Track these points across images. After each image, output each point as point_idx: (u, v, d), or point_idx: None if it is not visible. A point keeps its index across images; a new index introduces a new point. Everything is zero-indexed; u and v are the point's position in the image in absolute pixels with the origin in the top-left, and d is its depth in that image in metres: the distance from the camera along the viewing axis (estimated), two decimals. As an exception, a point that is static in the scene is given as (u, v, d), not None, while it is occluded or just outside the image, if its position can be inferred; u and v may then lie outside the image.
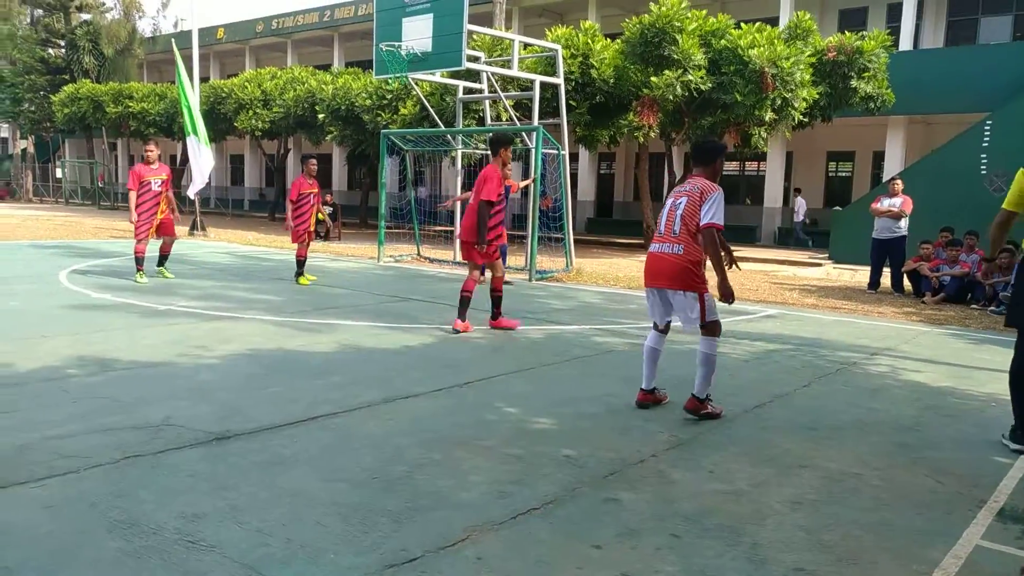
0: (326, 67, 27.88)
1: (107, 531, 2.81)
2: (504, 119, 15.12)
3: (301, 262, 10.12)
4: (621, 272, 13.05)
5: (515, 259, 13.36)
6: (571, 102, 15.68)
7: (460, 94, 14.23)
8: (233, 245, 16.07)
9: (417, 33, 11.96)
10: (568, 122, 14.33)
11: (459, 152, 14.50)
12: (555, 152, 12.73)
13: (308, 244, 10.14)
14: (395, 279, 11.20)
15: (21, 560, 2.58)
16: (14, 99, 35.95)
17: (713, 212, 4.28)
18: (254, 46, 35.18)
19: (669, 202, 4.55)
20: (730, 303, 4.44)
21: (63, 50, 35.97)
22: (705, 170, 4.52)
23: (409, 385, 4.99)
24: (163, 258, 10.10)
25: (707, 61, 14.75)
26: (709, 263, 4.44)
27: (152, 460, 3.51)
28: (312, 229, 10.15)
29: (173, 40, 20.83)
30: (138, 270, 9.51)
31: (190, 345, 5.94)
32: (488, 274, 7.16)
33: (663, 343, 4.68)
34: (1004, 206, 4.45)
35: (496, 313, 7.19)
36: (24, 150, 41.34)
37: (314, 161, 10.41)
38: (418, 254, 14.38)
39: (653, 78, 14.50)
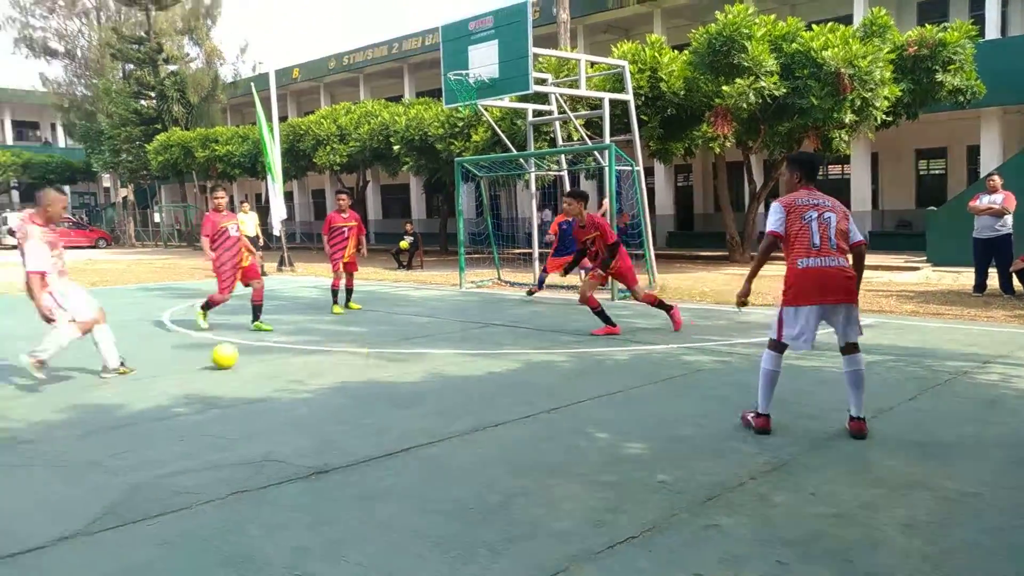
0: (398, 99, 28.57)
1: (220, 566, 2.91)
2: (576, 139, 15.13)
3: (334, 292, 10.54)
4: (707, 286, 12.78)
5: (594, 278, 13.28)
6: (642, 117, 15.57)
7: (530, 117, 14.34)
8: (319, 279, 16.55)
9: (483, 60, 12.13)
10: (640, 137, 14.23)
11: (532, 175, 14.59)
12: (629, 168, 12.65)
13: (342, 276, 10.46)
14: (478, 305, 11.31)
15: (143, 598, 2.70)
16: (113, 150, 38.21)
17: (858, 229, 4.46)
18: (328, 83, 36.40)
19: (812, 215, 4.35)
20: None
21: (154, 101, 38.04)
22: (816, 184, 4.54)
23: (498, 413, 5.01)
24: (257, 310, 9.10)
25: (779, 66, 14.42)
26: None
27: (258, 495, 3.63)
28: (345, 261, 10.38)
29: (252, 84, 21.80)
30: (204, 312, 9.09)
31: (286, 380, 6.14)
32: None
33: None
34: None
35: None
36: (125, 198, 43.93)
37: (344, 196, 10.67)
38: (499, 278, 14.49)
39: (724, 87, 14.26)
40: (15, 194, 48.95)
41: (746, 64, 14.06)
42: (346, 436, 4.57)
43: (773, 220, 4.42)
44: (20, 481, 3.94)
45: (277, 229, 18.89)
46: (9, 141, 50.67)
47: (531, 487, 3.68)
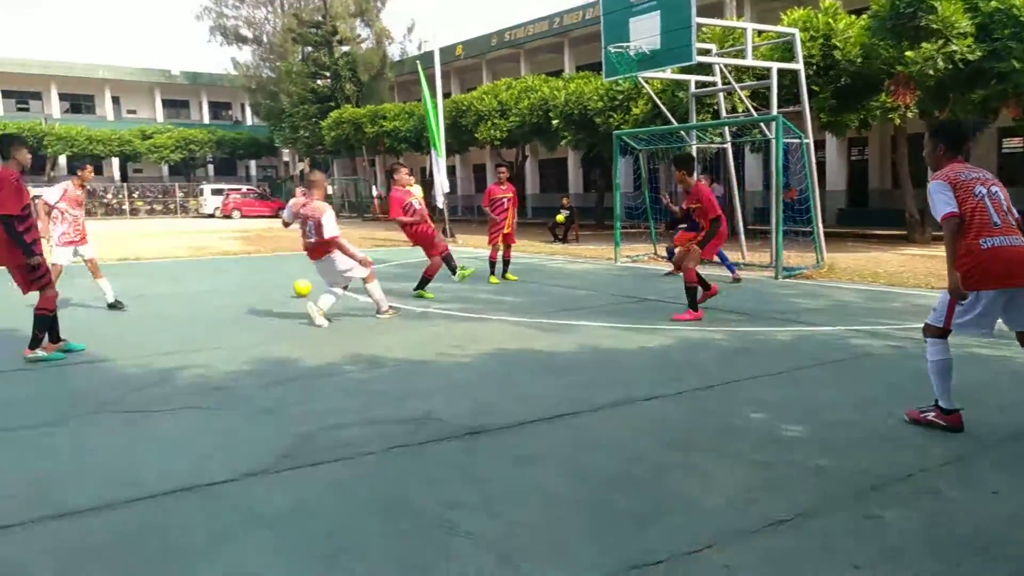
0: (557, 73, 28.58)
1: (379, 510, 3.14)
2: (740, 110, 14.52)
3: (492, 263, 10.96)
4: (881, 267, 11.92)
5: (760, 256, 12.80)
6: (813, 87, 14.68)
7: (692, 89, 13.92)
8: (479, 250, 17.02)
9: (645, 31, 11.87)
10: (811, 108, 13.43)
11: (694, 147, 14.17)
12: (798, 141, 12.00)
13: (500, 248, 10.85)
14: (632, 279, 11.22)
15: (323, 532, 2.97)
16: (292, 127, 41.14)
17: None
18: (490, 59, 37.01)
19: (981, 190, 3.95)
20: None
21: (328, 80, 40.52)
22: (964, 157, 4.18)
23: (650, 386, 4.98)
24: (425, 280, 9.47)
25: (974, 27, 13.06)
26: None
27: (416, 450, 3.85)
28: (506, 232, 10.73)
29: (418, 62, 22.61)
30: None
31: (445, 344, 6.42)
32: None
33: None
34: None
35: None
36: (302, 171, 47.25)
37: (504, 168, 11.09)
38: (655, 253, 14.27)
39: (908, 53, 13.13)
40: (211, 168, 53.90)
41: (935, 26, 12.86)
42: (501, 400, 4.72)
43: (944, 200, 3.93)
44: (213, 422, 4.40)
45: (440, 202, 19.61)
46: (206, 120, 55.81)
47: (681, 462, 3.65)
